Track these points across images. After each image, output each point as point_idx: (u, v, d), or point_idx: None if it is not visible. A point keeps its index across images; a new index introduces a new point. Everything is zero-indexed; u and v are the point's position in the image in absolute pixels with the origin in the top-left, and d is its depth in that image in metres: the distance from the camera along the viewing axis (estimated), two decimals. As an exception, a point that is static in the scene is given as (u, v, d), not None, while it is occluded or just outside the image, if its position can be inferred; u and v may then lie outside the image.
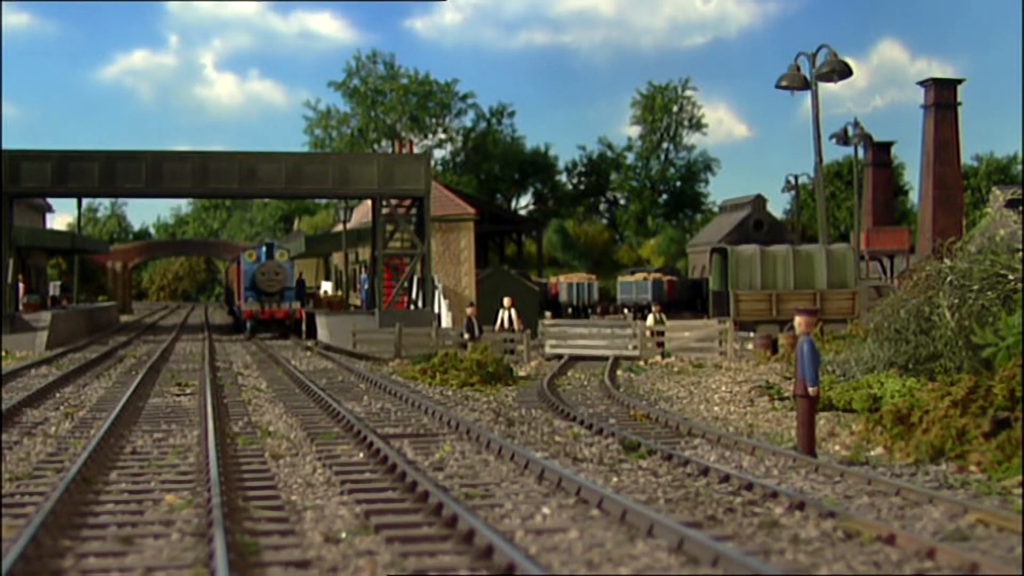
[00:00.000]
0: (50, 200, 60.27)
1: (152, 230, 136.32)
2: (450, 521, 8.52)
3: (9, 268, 35.04)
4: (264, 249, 43.33)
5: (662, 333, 29.05)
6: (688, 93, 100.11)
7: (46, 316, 35.26)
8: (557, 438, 13.72)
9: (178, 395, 19.44)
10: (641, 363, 26.83)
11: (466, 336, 27.83)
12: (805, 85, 33.90)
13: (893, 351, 16.42)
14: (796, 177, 67.73)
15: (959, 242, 16.87)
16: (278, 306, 41.38)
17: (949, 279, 15.51)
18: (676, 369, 25.34)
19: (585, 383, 22.31)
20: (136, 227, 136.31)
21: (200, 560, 7.55)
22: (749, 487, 10.06)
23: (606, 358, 27.05)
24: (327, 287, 55.72)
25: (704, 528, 8.37)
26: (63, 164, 34.04)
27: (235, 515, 8.85)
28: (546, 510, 9.06)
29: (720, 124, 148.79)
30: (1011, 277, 14.86)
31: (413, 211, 36.85)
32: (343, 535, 8.31)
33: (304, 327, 40.43)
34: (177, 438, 13.79)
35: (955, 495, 9.68)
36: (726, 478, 10.52)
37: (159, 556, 7.70)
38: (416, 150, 59.77)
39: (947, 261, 16.00)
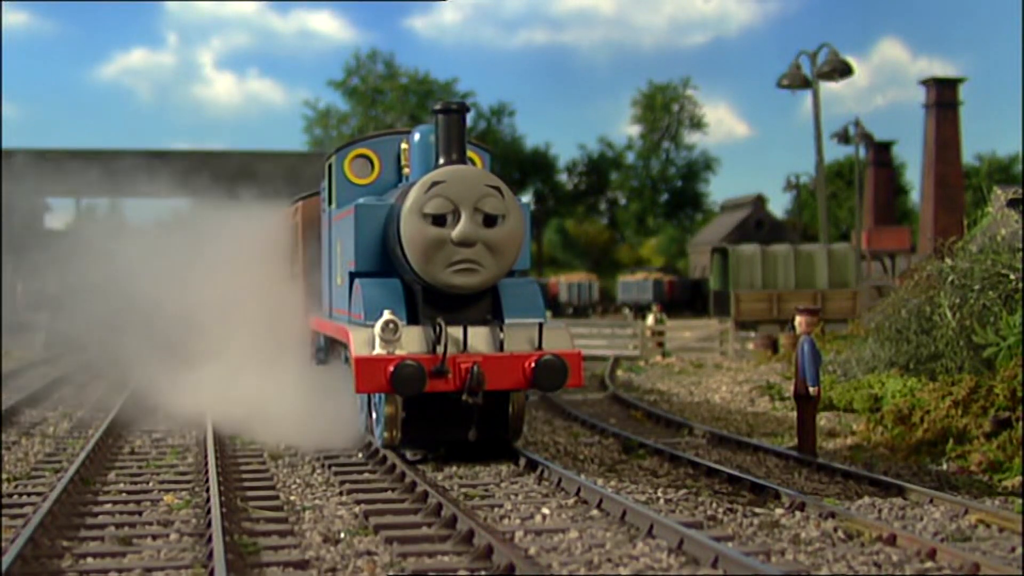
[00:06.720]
0: (49, 200, 60.19)
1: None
2: (449, 521, 8.49)
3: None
4: (431, 133, 11.10)
5: (662, 333, 29.03)
6: (689, 92, 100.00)
7: (45, 316, 35.19)
8: (557, 438, 13.69)
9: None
10: (641, 363, 26.80)
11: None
12: (806, 84, 33.86)
13: (894, 351, 16.37)
14: (797, 176, 67.94)
15: (960, 242, 16.81)
16: (496, 346, 10.49)
17: (950, 279, 15.45)
18: (676, 369, 25.30)
19: (585, 383, 22.26)
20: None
21: (199, 560, 7.53)
22: (749, 487, 10.03)
23: (606, 358, 27.03)
24: None
25: (704, 528, 8.34)
26: (62, 163, 34.01)
27: (234, 515, 8.82)
28: (546, 510, 9.03)
29: (721, 123, 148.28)
30: (1012, 277, 14.81)
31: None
32: (342, 535, 8.28)
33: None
34: (176, 438, 13.75)
35: (956, 495, 9.65)
36: (726, 478, 10.49)
37: (157, 557, 7.68)
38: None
39: (948, 261, 15.94)
